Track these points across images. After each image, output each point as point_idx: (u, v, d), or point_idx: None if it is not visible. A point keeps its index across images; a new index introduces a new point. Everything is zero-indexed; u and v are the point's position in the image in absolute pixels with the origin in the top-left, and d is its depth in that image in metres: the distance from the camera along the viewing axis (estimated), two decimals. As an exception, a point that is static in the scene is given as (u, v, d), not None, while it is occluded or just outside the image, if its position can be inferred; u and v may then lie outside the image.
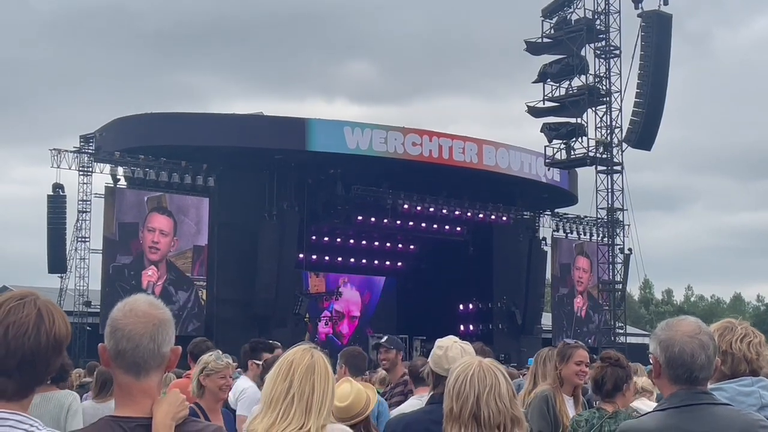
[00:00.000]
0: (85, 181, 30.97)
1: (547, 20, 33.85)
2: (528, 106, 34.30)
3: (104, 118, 36.69)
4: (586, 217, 39.73)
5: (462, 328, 37.78)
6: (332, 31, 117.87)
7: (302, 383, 3.15)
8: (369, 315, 41.42)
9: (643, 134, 32.64)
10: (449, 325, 33.47)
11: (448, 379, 3.37)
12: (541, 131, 33.93)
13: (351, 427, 4.73)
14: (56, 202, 30.56)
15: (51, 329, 2.30)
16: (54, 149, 30.49)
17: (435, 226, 37.98)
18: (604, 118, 33.13)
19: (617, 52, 33.32)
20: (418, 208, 35.55)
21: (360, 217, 35.88)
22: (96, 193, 30.91)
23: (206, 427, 2.69)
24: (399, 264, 42.47)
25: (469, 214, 37.09)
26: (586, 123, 33.26)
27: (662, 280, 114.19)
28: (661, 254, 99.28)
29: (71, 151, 30.91)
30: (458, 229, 39.01)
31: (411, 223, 37.19)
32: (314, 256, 37.04)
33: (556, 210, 41.26)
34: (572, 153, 33.64)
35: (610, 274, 33.82)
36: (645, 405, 6.19)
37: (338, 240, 38.57)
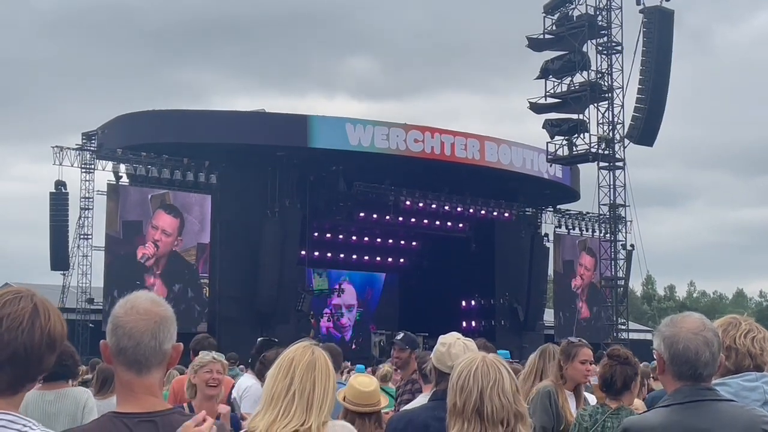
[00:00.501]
0: (87, 179, 31.01)
1: (549, 16, 33.81)
2: (530, 102, 34.27)
3: (106, 116, 36.73)
4: (588, 213, 39.72)
5: (464, 324, 37.79)
6: (333, 27, 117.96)
7: (303, 380, 3.14)
8: (371, 311, 41.44)
9: (645, 130, 32.59)
10: (451, 322, 33.31)
11: (452, 374, 3.37)
12: (543, 127, 33.91)
13: (364, 415, 4.82)
14: (59, 199, 30.58)
15: (46, 325, 2.29)
16: (56, 146, 30.53)
17: (437, 222, 38.00)
18: (605, 114, 33.11)
19: (619, 48, 33.26)
20: (420, 204, 35.56)
21: (362, 214, 35.90)
22: (98, 191, 31.00)
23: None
24: (401, 260, 42.49)
25: (471, 210, 37.11)
26: (588, 119, 33.25)
27: (664, 276, 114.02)
28: (663, 250, 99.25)
29: (73, 149, 30.95)
30: (460, 225, 39.03)
31: (413, 220, 37.21)
32: (316, 253, 37.09)
33: (558, 206, 41.26)
34: (574, 149, 33.61)
35: (613, 270, 33.79)
36: None
37: (340, 237, 38.60)
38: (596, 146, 33.08)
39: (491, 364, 3.27)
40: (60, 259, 31.01)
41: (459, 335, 4.50)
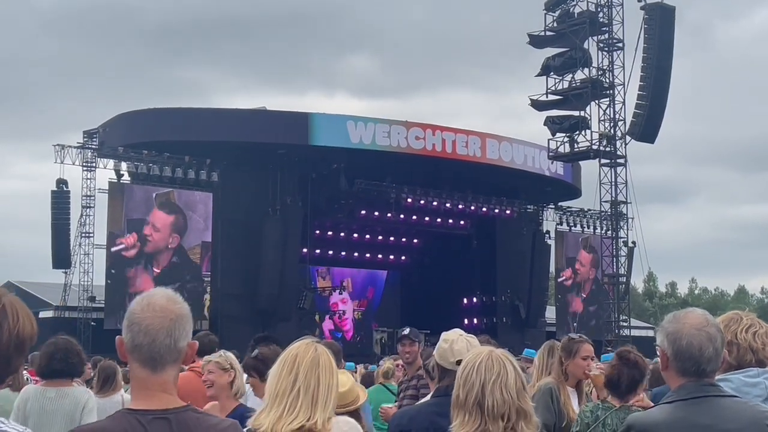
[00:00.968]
0: (88, 177, 31.06)
1: (550, 13, 33.81)
2: (531, 99, 34.26)
3: (107, 114, 36.85)
4: (589, 210, 39.70)
5: (466, 321, 37.75)
6: (333, 25, 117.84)
7: (307, 376, 3.15)
8: (373, 309, 41.45)
9: (647, 127, 32.59)
10: (453, 319, 33.37)
11: (459, 367, 3.37)
12: (544, 124, 33.91)
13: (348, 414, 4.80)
14: (60, 197, 30.61)
15: (14, 326, 2.27)
16: (57, 145, 30.57)
17: (438, 220, 37.99)
18: (607, 111, 33.10)
19: (620, 44, 33.25)
20: (422, 202, 35.55)
21: (363, 212, 35.90)
22: (100, 189, 30.99)
23: (222, 421, 2.70)
24: (403, 258, 42.47)
25: (472, 207, 37.11)
26: (590, 116, 33.26)
27: (666, 272, 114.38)
28: (664, 247, 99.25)
29: (75, 147, 30.98)
30: (462, 222, 39.01)
31: (414, 217, 37.20)
32: (318, 251, 37.09)
33: (559, 203, 41.24)
34: (576, 146, 33.61)
35: (614, 267, 33.79)
36: None
37: (342, 234, 38.59)
38: (597, 143, 33.08)
39: (497, 358, 3.27)
40: (62, 258, 31.03)
41: (462, 332, 4.49)
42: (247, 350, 9.19)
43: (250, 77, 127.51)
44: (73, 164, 30.74)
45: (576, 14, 33.40)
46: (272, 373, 3.27)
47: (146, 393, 2.56)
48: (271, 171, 32.34)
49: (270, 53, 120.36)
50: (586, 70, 33.24)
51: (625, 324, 34.19)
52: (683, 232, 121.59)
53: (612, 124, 33.00)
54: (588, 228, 41.16)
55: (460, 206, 36.78)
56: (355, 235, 39.20)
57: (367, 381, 10.94)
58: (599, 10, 33.04)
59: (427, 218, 37.63)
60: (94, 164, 31.11)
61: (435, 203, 36.00)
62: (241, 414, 5.70)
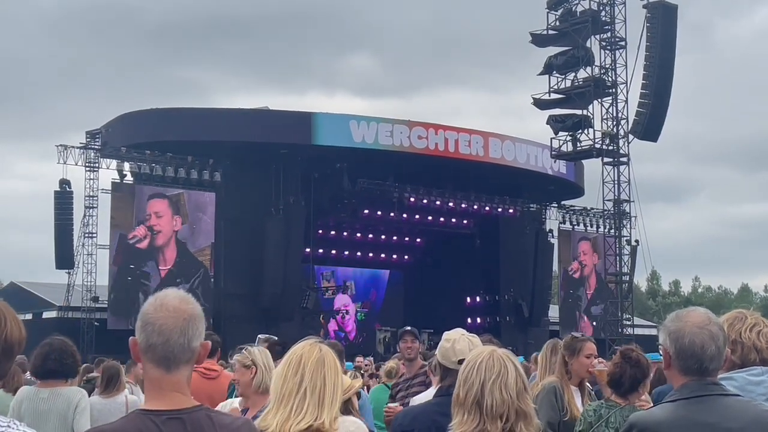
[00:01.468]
0: (91, 177, 31.06)
1: (552, 12, 33.77)
2: (533, 98, 34.22)
3: (109, 114, 36.87)
4: (592, 209, 39.67)
5: (469, 320, 37.76)
6: (334, 24, 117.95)
7: (313, 377, 3.17)
8: (376, 311, 41.46)
9: (650, 125, 32.55)
10: (456, 318, 33.37)
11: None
12: (547, 123, 33.87)
13: None
14: (63, 198, 30.64)
15: (2, 331, 2.28)
16: (60, 145, 30.61)
17: (441, 219, 37.98)
18: (610, 110, 33.05)
19: (623, 43, 33.20)
20: (425, 201, 35.56)
21: (366, 211, 35.91)
22: (103, 189, 31.01)
23: (235, 420, 2.71)
24: (406, 257, 42.49)
25: (475, 206, 37.11)
26: (592, 115, 33.19)
27: (669, 271, 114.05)
28: (667, 245, 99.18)
29: (77, 147, 31.00)
30: (465, 222, 39.02)
31: (417, 217, 37.21)
32: (321, 250, 37.13)
33: (562, 202, 41.23)
34: (578, 145, 33.57)
35: (617, 265, 33.75)
36: None
37: (345, 234, 38.61)
38: (600, 142, 33.04)
39: (498, 358, 3.26)
40: (65, 258, 31.07)
41: (464, 331, 4.50)
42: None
43: (251, 77, 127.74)
44: (76, 164, 30.80)
45: (578, 13, 33.36)
46: (277, 374, 3.28)
47: (160, 393, 2.57)
48: (273, 170, 32.34)
49: (270, 53, 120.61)
50: (588, 69, 33.20)
51: (628, 323, 34.15)
52: (686, 231, 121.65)
53: (615, 122, 32.97)
54: (591, 227, 41.16)
55: (463, 205, 36.78)
56: (358, 234, 39.22)
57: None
58: (601, 8, 33.01)
59: (429, 217, 37.63)
60: (96, 164, 31.14)
61: (438, 202, 36.00)
62: None
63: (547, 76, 33.92)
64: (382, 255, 41.29)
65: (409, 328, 7.94)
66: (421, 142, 33.90)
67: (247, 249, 31.74)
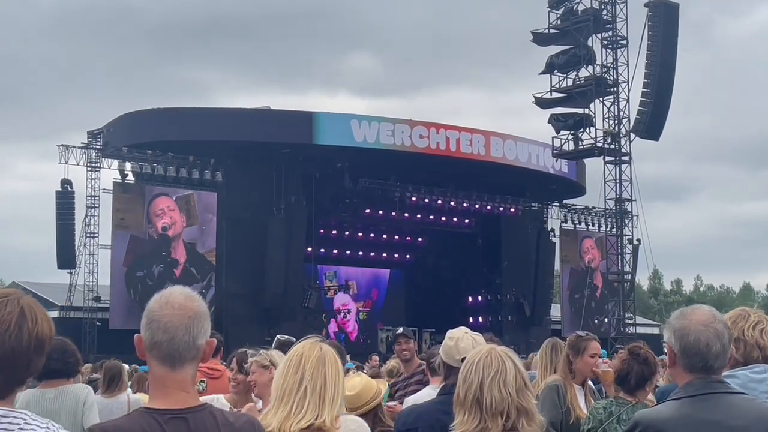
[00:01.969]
0: (93, 177, 31.06)
1: (554, 11, 33.76)
2: (535, 97, 34.21)
3: (111, 114, 36.83)
4: (594, 208, 39.66)
5: (471, 320, 37.73)
6: (335, 24, 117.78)
7: (314, 375, 3.16)
8: (377, 311, 41.44)
9: (651, 124, 32.54)
10: (458, 317, 33.49)
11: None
12: (548, 122, 33.86)
13: (360, 415, 4.80)
14: (64, 198, 30.64)
15: (33, 328, 2.28)
16: (62, 145, 30.61)
17: (443, 218, 37.98)
18: (611, 109, 33.04)
19: (624, 42, 33.20)
20: (426, 200, 35.56)
21: (368, 210, 35.92)
22: (104, 189, 31.01)
23: (239, 418, 2.71)
24: (407, 256, 42.48)
25: (477, 206, 37.11)
26: (594, 113, 33.19)
27: (671, 270, 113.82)
28: (669, 244, 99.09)
29: (79, 147, 31.01)
30: (466, 221, 39.02)
31: (419, 216, 37.21)
32: (322, 250, 37.13)
33: (564, 201, 41.21)
34: (580, 144, 33.55)
35: (619, 264, 33.74)
36: None
37: (346, 233, 38.60)
38: (602, 141, 33.02)
39: (496, 356, 3.25)
40: (66, 258, 31.08)
41: (467, 329, 4.51)
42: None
43: (251, 77, 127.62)
44: (78, 164, 30.81)
45: (579, 12, 33.35)
46: (278, 373, 3.27)
47: (164, 391, 2.56)
48: (275, 170, 32.34)
49: (271, 52, 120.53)
50: (590, 68, 33.19)
51: (630, 321, 34.15)
52: (688, 230, 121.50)
53: (616, 121, 32.96)
54: (593, 226, 41.14)
55: (465, 204, 36.78)
56: (360, 233, 39.20)
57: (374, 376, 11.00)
58: (603, 7, 33.00)
59: (431, 217, 37.62)
60: (98, 164, 31.15)
61: (439, 202, 36.01)
62: None
63: (548, 75, 33.92)
64: (384, 254, 41.28)
65: (400, 330, 8.04)
66: (422, 142, 33.89)
67: (248, 249, 31.73)
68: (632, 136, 33.06)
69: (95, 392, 7.92)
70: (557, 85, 33.84)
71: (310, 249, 34.28)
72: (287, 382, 3.18)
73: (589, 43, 33.16)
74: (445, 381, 4.39)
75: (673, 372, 3.19)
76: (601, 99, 33.10)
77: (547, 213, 41.32)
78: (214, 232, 31.63)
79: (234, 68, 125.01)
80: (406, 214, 36.22)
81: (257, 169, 32.08)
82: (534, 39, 34.18)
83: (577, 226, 41.15)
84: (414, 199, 35.10)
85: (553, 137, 34.09)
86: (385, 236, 40.14)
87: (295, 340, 7.66)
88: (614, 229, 34.61)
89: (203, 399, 2.70)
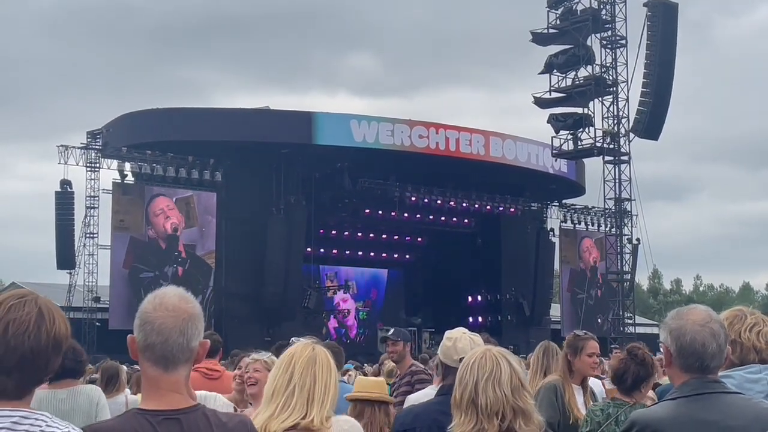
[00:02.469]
0: (92, 177, 31.06)
1: (553, 11, 33.78)
2: (534, 97, 34.23)
3: (110, 114, 36.88)
4: (593, 207, 39.67)
5: (470, 319, 37.79)
6: (334, 24, 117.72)
7: (303, 375, 3.14)
8: (377, 310, 41.45)
9: (650, 124, 32.55)
10: (457, 317, 33.53)
11: None
12: (547, 122, 33.87)
13: (374, 404, 4.85)
14: (64, 198, 30.64)
15: (51, 328, 2.28)
16: (61, 145, 30.63)
17: (442, 218, 37.99)
18: (610, 108, 33.06)
19: (623, 41, 33.22)
20: (426, 200, 35.57)
21: (367, 210, 35.93)
22: (104, 189, 31.03)
23: (232, 418, 2.70)
24: (407, 256, 42.49)
25: (476, 205, 37.12)
26: (593, 113, 33.21)
27: (671, 269, 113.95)
28: (669, 244, 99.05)
29: (78, 147, 31.01)
30: (466, 221, 39.03)
31: (418, 216, 37.22)
32: (322, 250, 37.13)
33: (563, 201, 41.21)
34: (579, 143, 33.56)
35: (619, 264, 33.75)
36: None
37: (346, 233, 38.61)
38: (601, 140, 33.04)
39: (491, 357, 3.24)
40: (66, 258, 31.08)
41: (465, 330, 4.51)
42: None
43: (251, 76, 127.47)
44: (77, 165, 30.83)
45: (579, 11, 33.38)
46: (270, 375, 3.27)
47: (157, 393, 2.55)
48: (275, 170, 32.34)
49: (271, 52, 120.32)
50: (589, 68, 33.22)
51: (629, 321, 34.17)
52: (687, 229, 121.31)
53: (615, 121, 32.97)
54: (592, 225, 41.14)
55: (464, 204, 36.78)
56: (359, 233, 39.21)
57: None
58: (602, 7, 33.02)
59: (431, 216, 37.63)
60: (97, 165, 31.16)
61: (439, 201, 36.02)
62: None
63: (547, 74, 33.95)
64: (383, 254, 41.28)
65: (389, 333, 8.00)
66: (421, 142, 33.90)
67: (248, 249, 31.75)
68: (631, 135, 33.08)
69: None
70: (556, 85, 33.86)
71: (309, 249, 34.28)
72: (276, 381, 3.17)
73: (589, 42, 33.18)
74: (443, 381, 4.40)
75: (670, 372, 3.19)
76: (600, 99, 33.12)
77: (546, 213, 41.33)
78: (213, 235, 31.63)
79: (233, 68, 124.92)
80: (406, 214, 36.23)
81: (257, 169, 32.08)
82: (533, 39, 34.19)
83: (577, 225, 41.16)
84: (413, 199, 35.11)
85: (552, 137, 34.11)
86: (384, 236, 40.14)
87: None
88: (614, 229, 34.63)
89: (201, 394, 2.68)
